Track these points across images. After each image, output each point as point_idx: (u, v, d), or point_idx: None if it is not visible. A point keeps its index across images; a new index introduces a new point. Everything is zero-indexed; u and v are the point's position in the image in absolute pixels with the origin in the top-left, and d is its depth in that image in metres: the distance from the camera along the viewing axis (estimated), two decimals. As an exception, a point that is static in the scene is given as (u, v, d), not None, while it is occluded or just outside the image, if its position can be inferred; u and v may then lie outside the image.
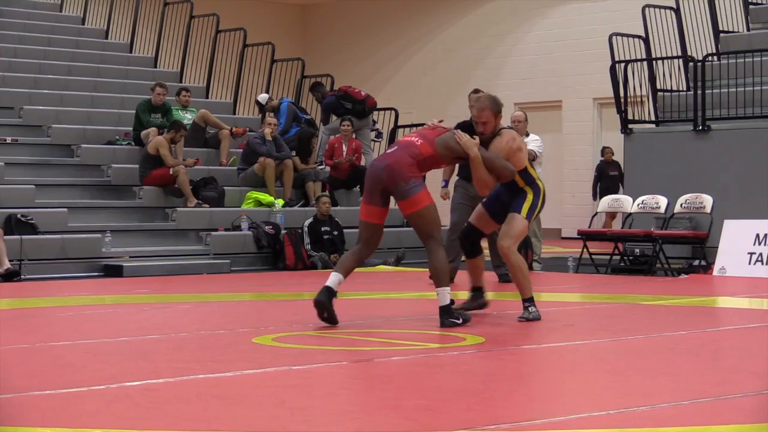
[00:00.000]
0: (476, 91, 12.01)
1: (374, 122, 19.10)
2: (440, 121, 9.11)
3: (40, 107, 17.56)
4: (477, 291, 9.49)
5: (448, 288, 8.78)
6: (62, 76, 18.87)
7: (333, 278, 8.69)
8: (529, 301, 9.08)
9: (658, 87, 16.96)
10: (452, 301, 8.81)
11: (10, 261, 13.28)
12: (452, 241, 11.72)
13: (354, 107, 18.28)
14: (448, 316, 8.69)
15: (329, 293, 8.67)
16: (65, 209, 14.96)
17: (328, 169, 17.68)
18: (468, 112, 9.47)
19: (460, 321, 8.68)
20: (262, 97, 18.83)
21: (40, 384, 6.40)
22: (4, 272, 13.11)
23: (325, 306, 8.67)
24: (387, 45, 27.21)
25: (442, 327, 8.63)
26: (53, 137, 16.98)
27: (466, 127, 9.00)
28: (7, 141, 16.55)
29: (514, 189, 9.06)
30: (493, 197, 9.21)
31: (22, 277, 13.35)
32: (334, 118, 18.50)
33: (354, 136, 17.69)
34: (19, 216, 14.17)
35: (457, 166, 10.93)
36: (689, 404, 5.74)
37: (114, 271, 14.14)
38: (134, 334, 8.86)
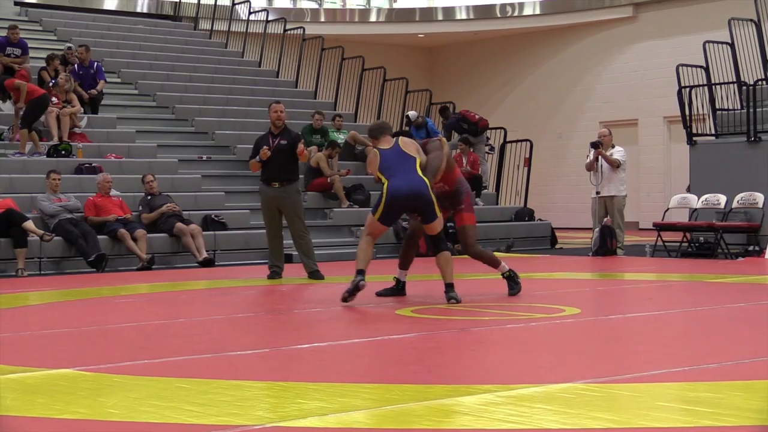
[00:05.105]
0: (278, 102, 11.65)
1: (487, 138, 18.94)
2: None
3: (228, 132, 17.79)
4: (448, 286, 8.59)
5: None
6: (243, 107, 19.07)
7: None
8: (359, 273, 8.42)
9: (717, 107, 16.56)
10: None
11: (206, 251, 13.52)
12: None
13: (469, 127, 18.14)
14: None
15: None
16: (248, 210, 15.11)
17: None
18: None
19: None
20: (412, 114, 18.68)
21: (233, 346, 6.48)
22: (202, 260, 13.34)
23: None
24: (496, 77, 27.02)
25: None
26: (238, 155, 17.18)
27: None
28: (204, 158, 16.86)
29: None
30: None
31: (216, 263, 13.57)
32: (455, 135, 18.43)
33: (472, 150, 17.55)
34: (213, 216, 14.38)
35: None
36: (749, 362, 5.60)
37: (285, 259, 14.21)
38: (303, 307, 8.94)
